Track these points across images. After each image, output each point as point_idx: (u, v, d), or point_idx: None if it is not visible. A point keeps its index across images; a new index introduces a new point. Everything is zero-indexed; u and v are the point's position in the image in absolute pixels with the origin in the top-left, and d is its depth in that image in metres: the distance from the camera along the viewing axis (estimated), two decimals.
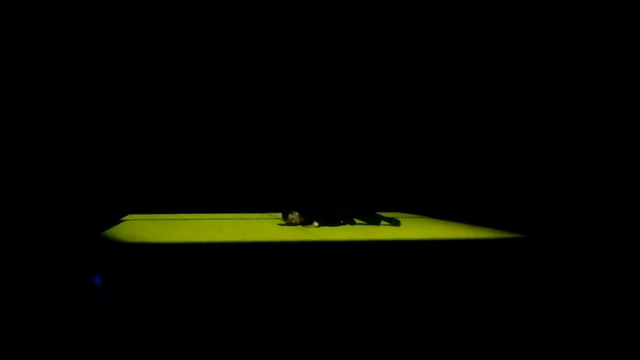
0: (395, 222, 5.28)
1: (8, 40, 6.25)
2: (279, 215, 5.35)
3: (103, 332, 1.82)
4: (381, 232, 4.82)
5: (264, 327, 1.95)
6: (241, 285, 2.72)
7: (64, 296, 2.31)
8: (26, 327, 1.88)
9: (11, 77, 6.28)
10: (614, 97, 4.94)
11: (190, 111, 7.21)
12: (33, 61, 6.42)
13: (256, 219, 6.12)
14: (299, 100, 7.48)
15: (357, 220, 5.36)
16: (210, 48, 7.20)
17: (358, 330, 1.90)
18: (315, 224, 5.05)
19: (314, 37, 7.46)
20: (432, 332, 1.90)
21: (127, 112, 6.94)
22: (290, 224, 5.07)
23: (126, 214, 6.31)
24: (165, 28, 7.01)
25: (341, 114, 7.61)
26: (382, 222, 5.31)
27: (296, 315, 2.11)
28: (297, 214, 5.07)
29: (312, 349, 1.69)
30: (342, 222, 5.23)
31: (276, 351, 1.69)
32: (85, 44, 6.69)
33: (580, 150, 5.19)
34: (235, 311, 2.18)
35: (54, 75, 6.56)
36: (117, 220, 5.65)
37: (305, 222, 5.09)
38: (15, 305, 2.19)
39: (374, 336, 1.84)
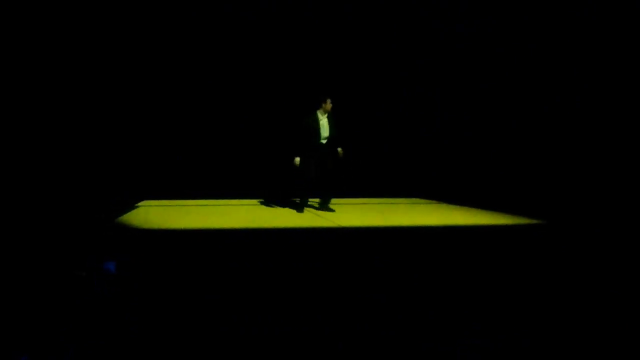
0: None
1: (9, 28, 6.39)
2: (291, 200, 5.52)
3: (103, 331, 1.85)
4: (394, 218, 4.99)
5: (271, 312, 2.11)
6: (252, 271, 2.89)
7: (69, 293, 2.28)
8: (26, 326, 1.90)
9: (23, 62, 6.40)
10: (617, 86, 4.95)
11: (205, 99, 7.36)
12: (46, 46, 6.53)
13: (269, 205, 6.24)
14: (305, 88, 7.60)
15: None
16: (215, 45, 7.31)
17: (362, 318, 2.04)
18: (297, 159, 5.47)
19: (315, 36, 7.57)
20: (437, 323, 2.01)
21: (143, 100, 7.11)
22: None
23: (141, 200, 6.45)
24: (175, 20, 7.11)
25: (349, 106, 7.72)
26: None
27: (303, 305, 2.26)
28: (298, 159, 5.52)
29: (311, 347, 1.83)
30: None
31: (285, 344, 1.81)
32: (105, 36, 6.80)
33: (597, 137, 5.18)
34: (246, 297, 2.35)
35: (68, 63, 6.70)
36: (132, 206, 5.81)
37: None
38: (17, 303, 2.18)
39: (376, 327, 1.96)
